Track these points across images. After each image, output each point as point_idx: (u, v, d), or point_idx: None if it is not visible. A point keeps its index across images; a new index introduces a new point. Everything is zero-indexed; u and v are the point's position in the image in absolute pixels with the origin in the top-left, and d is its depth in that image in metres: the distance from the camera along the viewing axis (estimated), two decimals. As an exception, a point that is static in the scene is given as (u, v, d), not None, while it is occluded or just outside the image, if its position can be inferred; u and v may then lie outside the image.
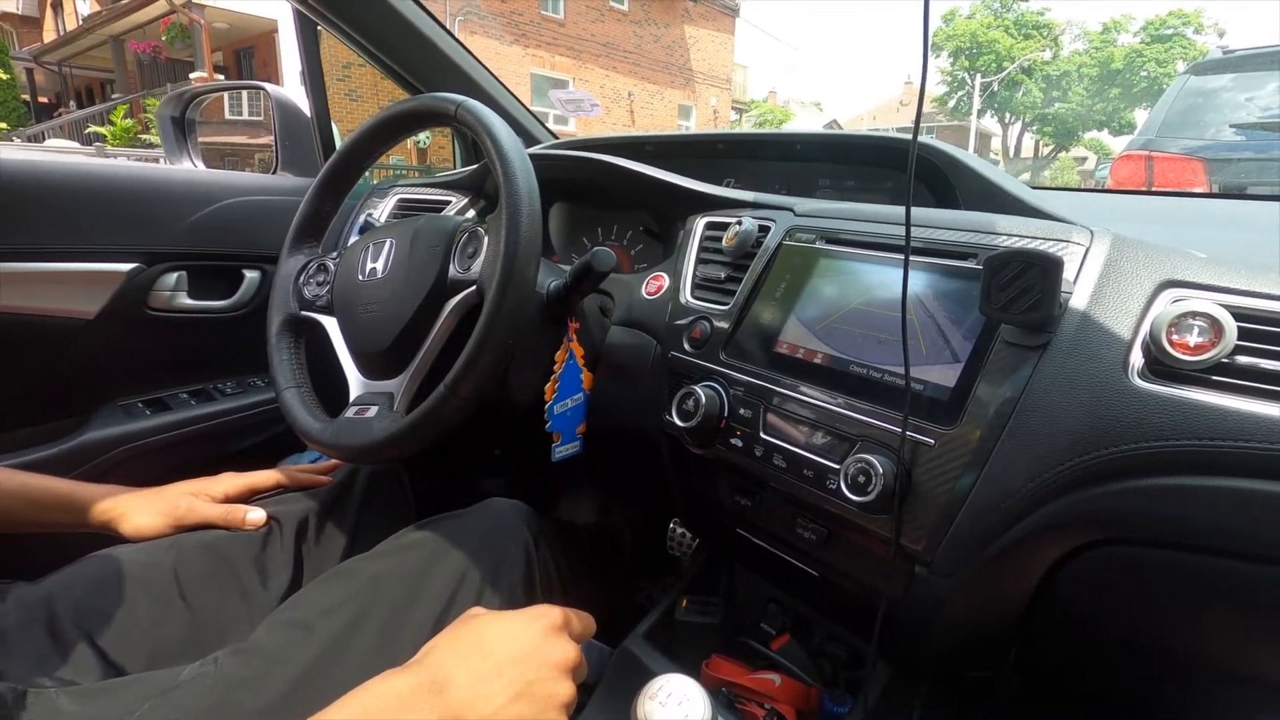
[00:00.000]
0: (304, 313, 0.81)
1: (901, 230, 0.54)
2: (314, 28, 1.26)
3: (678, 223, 0.90)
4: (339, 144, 0.88)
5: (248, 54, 15.26)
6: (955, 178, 0.83)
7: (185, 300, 1.10)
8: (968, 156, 0.83)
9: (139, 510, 0.70)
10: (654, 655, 0.77)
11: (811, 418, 0.63)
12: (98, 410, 1.05)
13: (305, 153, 1.33)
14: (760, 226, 0.77)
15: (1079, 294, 0.53)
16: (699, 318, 0.76)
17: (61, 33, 18.26)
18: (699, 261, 0.82)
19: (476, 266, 0.69)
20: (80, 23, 16.71)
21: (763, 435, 0.66)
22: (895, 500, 0.54)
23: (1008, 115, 30.09)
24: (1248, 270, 0.50)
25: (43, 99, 18.91)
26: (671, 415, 0.70)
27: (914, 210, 0.70)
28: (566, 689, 0.47)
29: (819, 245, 0.71)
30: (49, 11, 19.94)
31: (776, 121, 30.04)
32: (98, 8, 16.16)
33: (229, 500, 0.74)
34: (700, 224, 0.85)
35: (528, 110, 1.39)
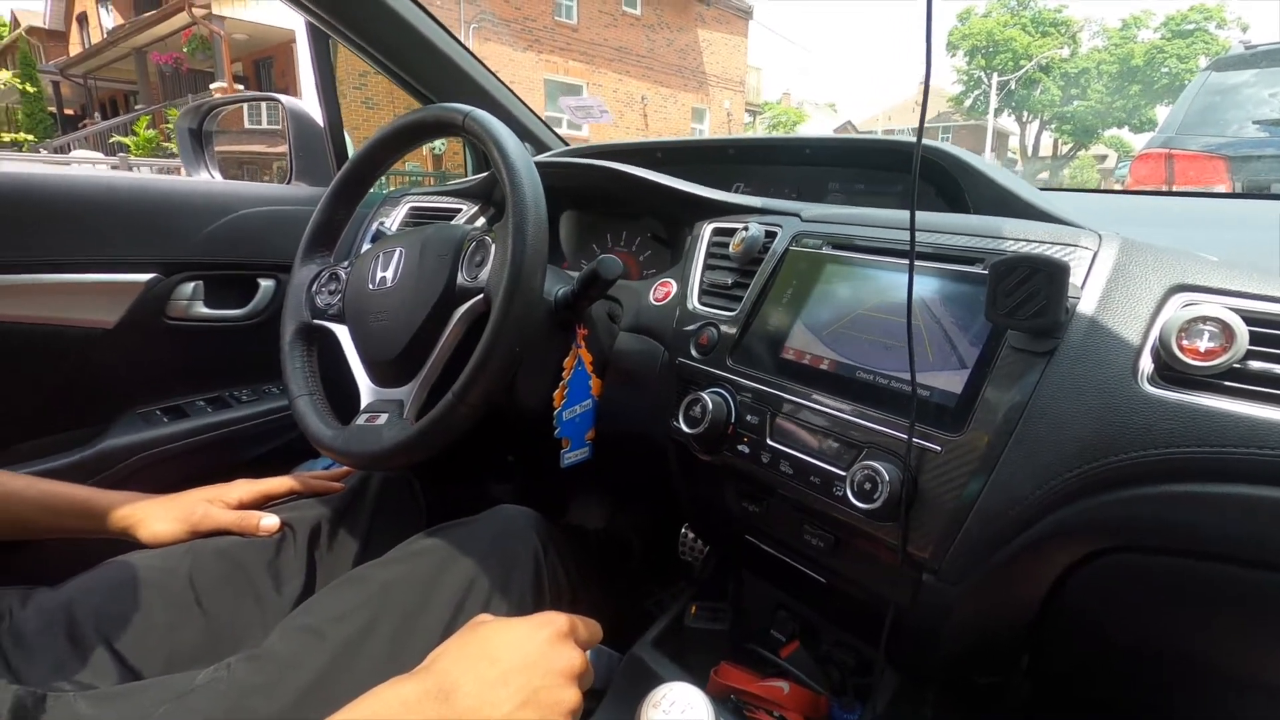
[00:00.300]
0: (316, 321, 0.82)
1: (907, 235, 0.54)
2: (326, 40, 1.28)
3: (685, 229, 0.90)
4: (352, 153, 0.89)
5: (266, 64, 15.49)
6: (965, 181, 0.83)
7: (202, 309, 1.12)
8: (977, 160, 0.83)
9: (156, 517, 0.72)
10: (663, 662, 0.77)
11: (818, 424, 0.63)
12: (117, 418, 1.07)
13: (319, 162, 1.35)
14: (767, 232, 0.77)
15: (1087, 299, 0.52)
16: (706, 324, 0.76)
17: (86, 46, 18.66)
18: (706, 267, 0.82)
19: (484, 275, 0.69)
20: (104, 36, 17.07)
21: (769, 441, 0.66)
22: (902, 507, 0.54)
23: (1025, 114, 29.72)
24: (1260, 274, 0.49)
25: (68, 111, 19.32)
26: (679, 421, 0.71)
27: (921, 215, 0.69)
28: (572, 696, 0.48)
29: (825, 251, 0.71)
30: (74, 25, 20.39)
31: (790, 123, 29.94)
32: (121, 21, 16.51)
33: (243, 506, 0.76)
34: (707, 230, 0.85)
35: (538, 117, 1.40)
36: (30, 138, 16.07)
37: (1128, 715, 0.65)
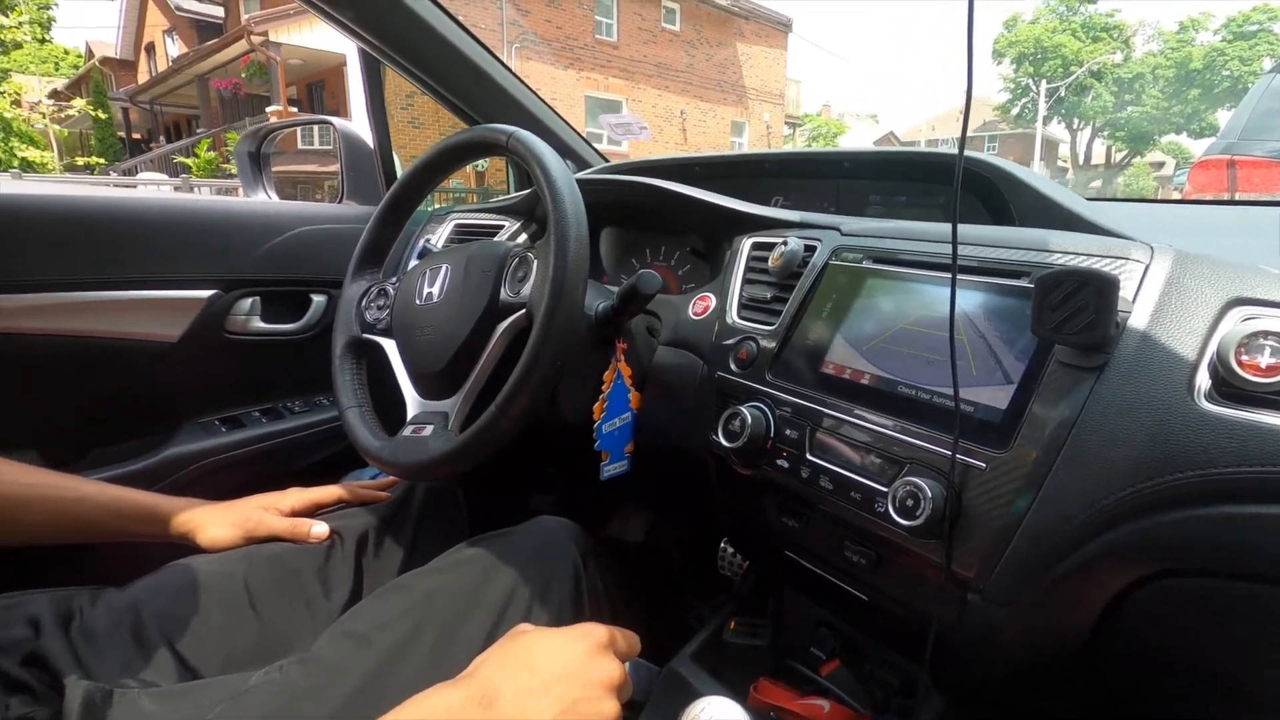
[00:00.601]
0: (365, 335, 0.85)
1: (949, 248, 0.53)
2: (378, 65, 1.33)
3: (724, 243, 0.90)
4: (399, 173, 0.92)
5: (318, 86, 16.11)
6: (1009, 193, 0.81)
7: (259, 324, 1.17)
8: (1021, 170, 0.81)
9: (214, 523, 0.75)
10: (701, 676, 0.76)
11: (859, 439, 0.62)
12: (179, 427, 1.12)
13: (369, 182, 1.40)
14: (806, 246, 0.77)
15: (1139, 313, 0.51)
16: (745, 338, 0.76)
17: (153, 73, 19.73)
18: (745, 282, 0.82)
19: (526, 290, 0.71)
20: (170, 63, 18.04)
21: (809, 456, 0.65)
22: (945, 524, 0.53)
23: (1076, 121, 28.81)
24: (1325, 286, 0.47)
25: (136, 135, 20.42)
26: (718, 435, 0.71)
27: (964, 228, 0.69)
28: (611, 707, 0.48)
29: (866, 265, 0.70)
30: (142, 54, 21.60)
31: (830, 135, 29.66)
32: (186, 49, 17.42)
33: (295, 514, 0.78)
34: (746, 244, 0.85)
35: (579, 135, 1.43)
36: (101, 161, 17.05)
37: None
